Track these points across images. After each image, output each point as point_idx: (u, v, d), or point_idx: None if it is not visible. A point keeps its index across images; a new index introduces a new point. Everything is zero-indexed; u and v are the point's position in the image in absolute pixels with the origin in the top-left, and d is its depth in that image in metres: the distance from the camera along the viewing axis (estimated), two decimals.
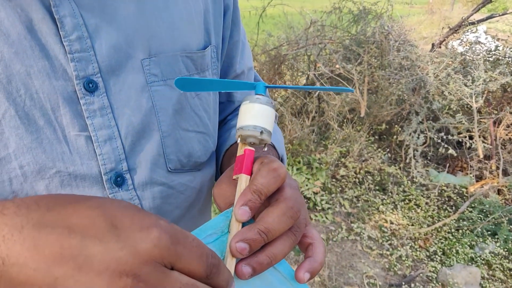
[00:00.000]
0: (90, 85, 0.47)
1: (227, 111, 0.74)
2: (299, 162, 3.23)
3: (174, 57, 0.54)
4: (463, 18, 4.03)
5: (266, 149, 0.46)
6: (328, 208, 2.95)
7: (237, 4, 0.68)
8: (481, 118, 3.26)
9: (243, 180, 0.43)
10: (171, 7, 0.55)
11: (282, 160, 0.69)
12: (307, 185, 3.05)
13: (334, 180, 3.25)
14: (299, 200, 0.44)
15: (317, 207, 2.95)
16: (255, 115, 0.42)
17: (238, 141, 0.45)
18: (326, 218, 2.86)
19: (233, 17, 0.67)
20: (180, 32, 0.55)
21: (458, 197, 3.07)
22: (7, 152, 0.43)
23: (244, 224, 0.41)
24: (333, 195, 3.09)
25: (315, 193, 3.03)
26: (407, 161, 3.24)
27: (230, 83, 0.46)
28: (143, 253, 0.31)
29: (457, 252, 2.54)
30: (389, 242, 2.66)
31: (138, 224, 0.32)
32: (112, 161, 0.49)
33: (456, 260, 2.48)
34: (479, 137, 3.17)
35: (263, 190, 0.41)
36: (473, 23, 4.03)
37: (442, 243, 2.65)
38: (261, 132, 0.42)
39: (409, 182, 3.18)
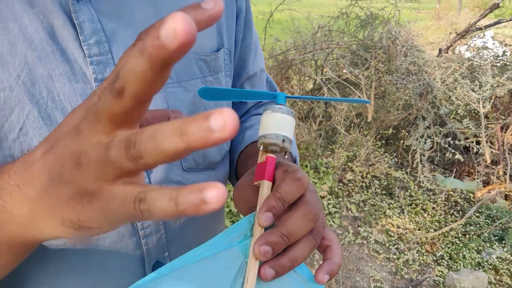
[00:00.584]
0: None
1: (240, 112, 0.76)
2: (306, 166, 3.25)
3: (188, 59, 0.56)
4: (471, 23, 4.03)
5: (286, 156, 0.48)
6: (335, 212, 2.96)
7: (249, 7, 0.69)
8: (488, 124, 3.26)
9: (265, 186, 0.45)
10: None
11: (295, 161, 0.71)
12: None
13: (341, 184, 3.25)
14: (317, 204, 0.45)
15: (324, 211, 2.96)
16: (277, 124, 0.44)
17: (261, 148, 0.46)
18: (333, 222, 2.87)
19: (245, 20, 0.68)
20: None
21: (465, 202, 3.07)
22: None
23: (266, 229, 0.43)
24: (340, 199, 3.10)
25: (322, 197, 3.04)
26: (414, 165, 3.25)
27: (251, 93, 0.47)
28: (85, 105, 0.31)
29: (464, 257, 2.54)
30: (396, 246, 2.67)
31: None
32: None
33: (463, 265, 2.48)
34: (486, 142, 3.16)
35: (287, 198, 0.42)
36: (480, 29, 4.03)
37: (449, 247, 2.64)
38: (283, 141, 0.44)
39: (416, 186, 3.18)
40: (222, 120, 0.22)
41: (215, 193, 0.23)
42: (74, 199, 0.31)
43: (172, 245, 0.57)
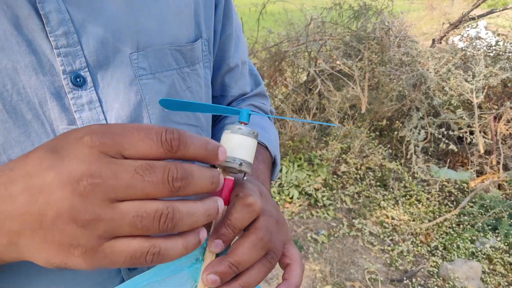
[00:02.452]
0: (78, 80, 0.47)
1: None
2: (300, 159, 3.24)
3: (162, 50, 0.54)
4: (464, 13, 4.02)
5: (245, 178, 0.47)
6: (330, 204, 2.96)
7: None
8: (481, 114, 3.27)
9: None
10: (159, 0, 0.55)
11: (274, 160, 0.69)
12: (308, 182, 3.06)
13: (335, 176, 3.25)
14: (272, 227, 0.45)
15: (318, 204, 2.96)
16: (235, 146, 0.42)
17: (219, 169, 0.44)
18: (328, 214, 2.87)
19: (225, 10, 0.66)
20: (169, 25, 0.55)
21: (459, 192, 3.08)
22: None
23: (218, 254, 0.43)
24: (334, 191, 3.10)
25: (316, 190, 3.04)
26: (408, 156, 3.25)
27: (215, 107, 0.45)
28: (85, 157, 0.32)
29: (458, 247, 2.55)
30: (390, 237, 2.67)
31: (72, 140, 0.34)
32: None
33: (457, 255, 2.49)
34: (480, 132, 3.17)
35: (236, 224, 0.42)
36: (473, 19, 4.02)
37: (443, 238, 2.66)
38: (240, 164, 0.42)
39: (410, 177, 3.19)
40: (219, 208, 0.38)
41: (205, 234, 0.37)
42: (65, 249, 0.32)
43: None
